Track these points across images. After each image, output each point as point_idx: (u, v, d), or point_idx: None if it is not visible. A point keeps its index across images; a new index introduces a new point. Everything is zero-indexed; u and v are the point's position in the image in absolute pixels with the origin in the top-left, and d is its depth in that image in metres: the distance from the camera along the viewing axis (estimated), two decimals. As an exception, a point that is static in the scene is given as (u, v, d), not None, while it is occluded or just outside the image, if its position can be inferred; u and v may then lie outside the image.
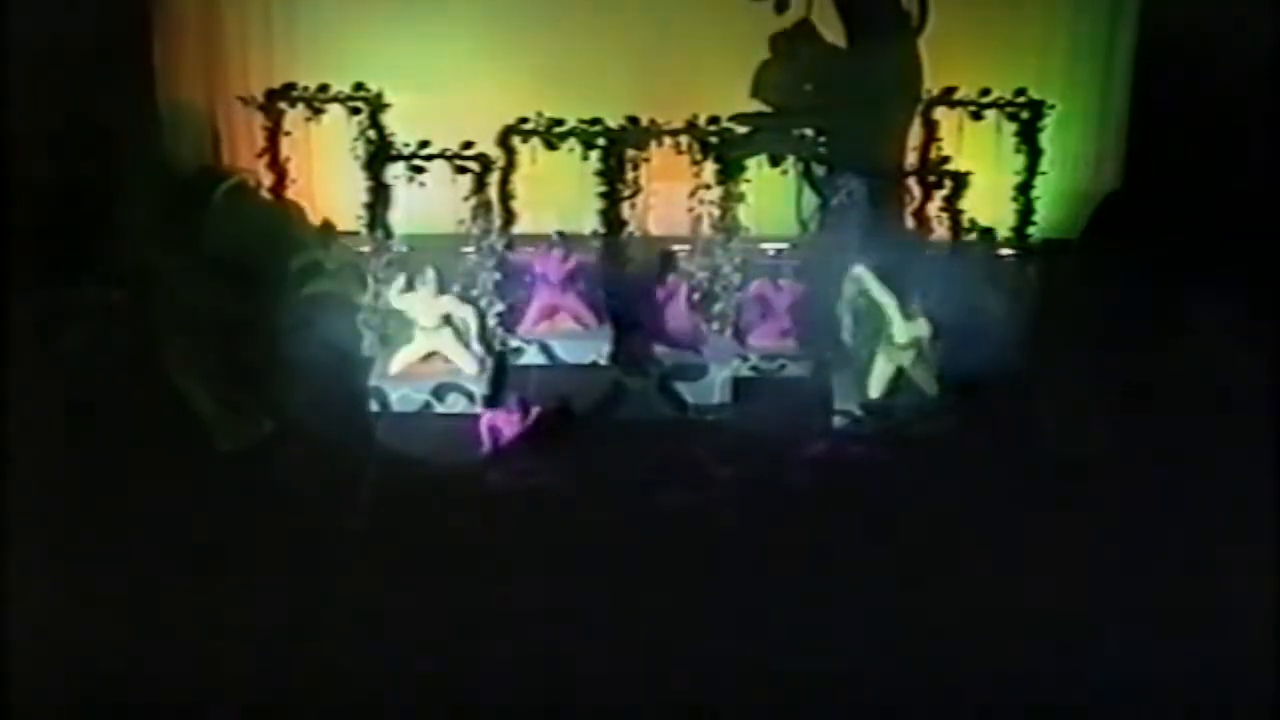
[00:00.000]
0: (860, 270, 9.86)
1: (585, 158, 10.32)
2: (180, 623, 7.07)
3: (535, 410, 9.32)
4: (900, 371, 9.79)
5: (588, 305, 10.72)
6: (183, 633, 7.01)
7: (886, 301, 9.70)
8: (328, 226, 11.02)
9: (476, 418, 9.46)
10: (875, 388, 9.79)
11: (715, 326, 10.66)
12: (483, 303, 10.34)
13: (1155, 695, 6.73)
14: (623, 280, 10.93)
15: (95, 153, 10.75)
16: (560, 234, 10.68)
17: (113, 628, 6.94)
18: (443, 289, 9.94)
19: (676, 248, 10.99)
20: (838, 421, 9.73)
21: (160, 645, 6.91)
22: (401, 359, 10.05)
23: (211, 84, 12.28)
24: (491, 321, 10.38)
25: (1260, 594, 7.17)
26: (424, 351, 10.03)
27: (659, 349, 10.30)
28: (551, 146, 10.28)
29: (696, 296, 10.63)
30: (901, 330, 9.67)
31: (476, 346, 10.08)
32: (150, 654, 6.84)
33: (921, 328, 9.65)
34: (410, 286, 9.93)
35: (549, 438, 9.25)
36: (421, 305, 9.93)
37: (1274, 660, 6.77)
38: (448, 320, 9.99)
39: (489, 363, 10.18)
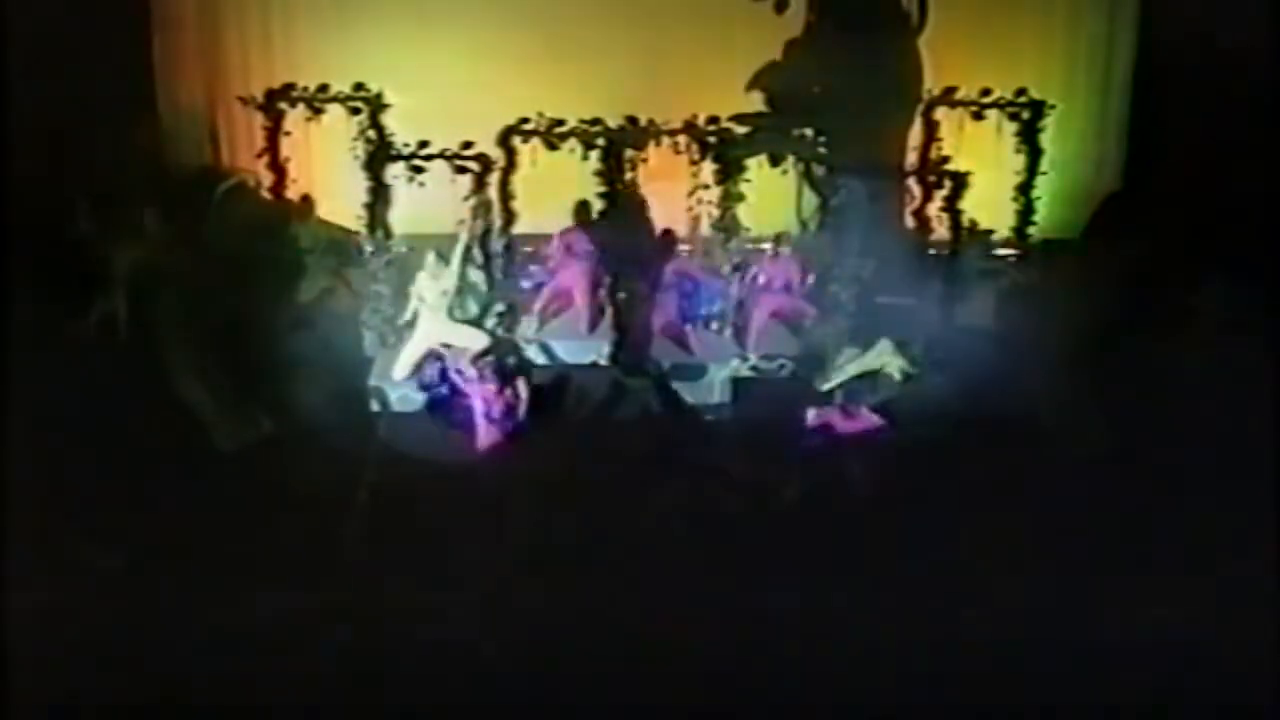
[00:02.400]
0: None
1: (585, 158, 10.32)
2: (179, 623, 7.06)
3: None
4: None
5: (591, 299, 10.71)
6: (182, 633, 7.00)
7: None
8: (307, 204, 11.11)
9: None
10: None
11: (714, 327, 10.69)
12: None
13: (1156, 695, 6.75)
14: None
15: (95, 153, 10.75)
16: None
17: (112, 628, 6.92)
18: (447, 262, 9.99)
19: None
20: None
21: (160, 645, 6.90)
22: (405, 359, 10.01)
23: (211, 84, 12.29)
24: (491, 322, 10.38)
25: (1262, 593, 7.18)
26: (426, 343, 10.00)
27: (656, 348, 10.31)
28: (552, 146, 10.28)
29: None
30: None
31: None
32: (150, 654, 6.83)
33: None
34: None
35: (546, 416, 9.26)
36: (428, 281, 9.98)
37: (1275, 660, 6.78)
38: (448, 295, 10.02)
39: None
